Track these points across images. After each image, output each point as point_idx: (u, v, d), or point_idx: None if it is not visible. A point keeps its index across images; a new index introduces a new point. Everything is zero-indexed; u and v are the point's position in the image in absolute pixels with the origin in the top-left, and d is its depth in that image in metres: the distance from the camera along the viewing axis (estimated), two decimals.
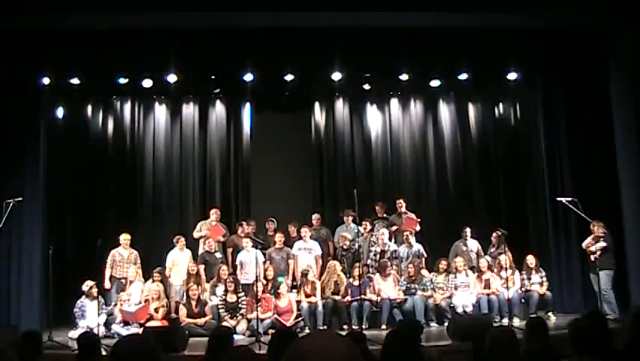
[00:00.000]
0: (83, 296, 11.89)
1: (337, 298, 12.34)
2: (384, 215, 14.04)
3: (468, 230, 13.41)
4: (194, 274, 12.64)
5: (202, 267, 12.93)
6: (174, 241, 13.23)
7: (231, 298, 12.07)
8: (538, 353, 4.96)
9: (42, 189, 13.13)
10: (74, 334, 10.95)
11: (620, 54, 12.79)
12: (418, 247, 13.26)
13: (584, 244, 12.17)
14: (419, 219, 13.64)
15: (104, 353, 6.73)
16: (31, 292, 12.47)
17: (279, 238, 13.13)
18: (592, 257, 11.95)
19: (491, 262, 12.93)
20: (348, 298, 12.32)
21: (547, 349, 5.28)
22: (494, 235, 13.18)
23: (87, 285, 11.86)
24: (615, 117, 12.96)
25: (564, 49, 12.97)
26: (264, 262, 12.64)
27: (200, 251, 13.53)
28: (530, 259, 12.76)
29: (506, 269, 12.10)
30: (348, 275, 12.73)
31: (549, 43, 12.91)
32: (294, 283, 12.90)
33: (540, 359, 4.83)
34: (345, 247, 13.24)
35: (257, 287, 11.56)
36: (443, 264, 12.87)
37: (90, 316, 11.61)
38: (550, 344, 5.60)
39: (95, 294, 11.76)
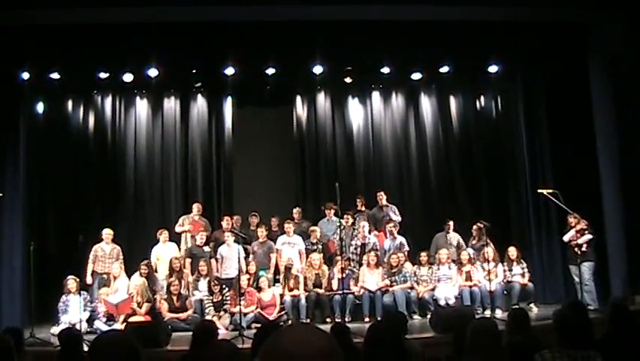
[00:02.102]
0: (66, 292, 11.84)
1: (320, 291, 12.36)
2: (363, 208, 14.07)
3: (451, 223, 13.46)
4: (177, 270, 12.60)
5: (188, 261, 12.90)
6: (157, 234, 13.20)
7: (217, 297, 12.07)
8: (520, 344, 4.98)
9: (23, 185, 13.02)
10: (56, 330, 10.88)
11: (600, 47, 12.86)
12: (400, 239, 13.30)
13: (566, 238, 12.21)
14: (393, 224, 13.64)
15: (86, 348, 6.69)
16: (13, 289, 12.36)
17: (261, 232, 13.12)
18: (577, 250, 11.99)
19: (473, 254, 12.98)
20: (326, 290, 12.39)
21: (529, 340, 5.31)
22: (475, 227, 13.25)
23: (65, 280, 11.80)
24: (595, 110, 13.05)
25: (545, 42, 13.04)
26: (246, 257, 12.63)
27: (183, 245, 13.54)
28: (512, 251, 12.81)
29: (488, 262, 12.16)
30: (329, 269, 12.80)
31: (530, 36, 12.97)
32: (277, 277, 12.91)
33: (522, 350, 4.85)
34: (314, 240, 13.25)
35: (241, 281, 11.59)
36: (423, 256, 12.89)
37: (72, 311, 11.56)
38: (533, 335, 5.64)
39: (73, 289, 11.69)
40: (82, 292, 11.74)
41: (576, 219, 12.07)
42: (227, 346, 4.21)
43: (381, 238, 13.61)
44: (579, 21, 13.02)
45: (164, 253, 13.05)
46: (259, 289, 12.22)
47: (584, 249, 11.97)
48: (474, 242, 13.34)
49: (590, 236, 12.04)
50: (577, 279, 11.99)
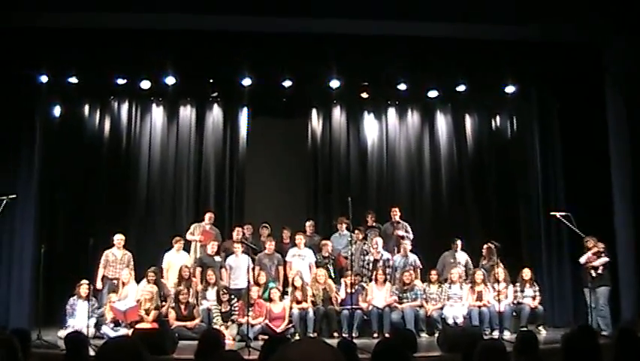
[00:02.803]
0: (75, 296, 11.86)
1: (330, 306, 12.31)
2: (374, 224, 14.03)
3: (459, 242, 13.41)
4: (186, 278, 12.60)
5: (198, 269, 12.88)
6: (173, 242, 13.21)
7: (225, 307, 12.05)
8: None
9: (36, 187, 13.09)
10: (64, 333, 10.89)
11: (615, 67, 12.83)
12: (413, 257, 13.24)
13: (582, 260, 12.11)
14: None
15: (92, 353, 6.70)
16: (22, 291, 12.39)
17: (269, 244, 13.11)
18: (593, 273, 11.92)
19: (484, 274, 12.90)
20: (336, 305, 12.34)
21: None
22: (485, 247, 13.19)
23: (78, 284, 11.83)
24: (610, 131, 13.01)
25: (560, 62, 13.02)
26: (253, 268, 12.60)
27: (192, 253, 13.55)
28: (526, 272, 12.75)
29: (499, 282, 12.11)
30: (337, 283, 12.76)
31: (545, 56, 12.97)
32: (286, 290, 12.88)
33: None
34: (325, 254, 13.22)
35: (250, 292, 11.57)
36: (433, 274, 12.85)
37: (79, 315, 11.58)
38: (540, 358, 5.60)
39: (84, 295, 11.72)
40: (91, 297, 11.76)
41: (593, 241, 12.00)
42: (234, 356, 4.20)
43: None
44: (594, 40, 13.00)
45: (175, 261, 13.05)
46: (270, 300, 12.19)
47: (599, 272, 11.90)
48: (484, 262, 13.26)
49: (606, 259, 11.97)
50: (589, 302, 11.91)
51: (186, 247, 13.56)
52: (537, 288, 12.71)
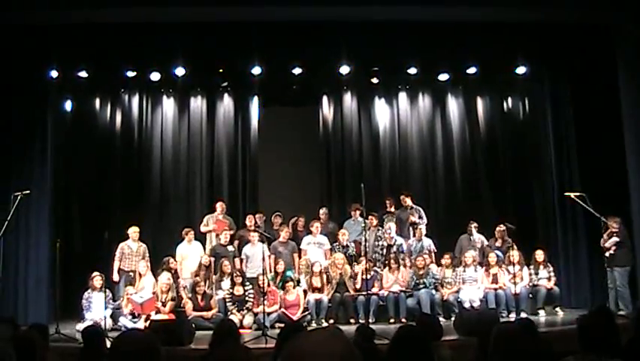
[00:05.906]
0: (90, 289, 11.91)
1: (346, 292, 12.32)
2: (392, 209, 14.01)
3: (474, 225, 13.36)
4: (207, 266, 12.64)
5: (212, 260, 12.92)
6: (183, 233, 13.24)
7: (238, 290, 12.07)
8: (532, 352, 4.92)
9: (49, 183, 13.12)
10: (81, 327, 10.95)
11: (627, 48, 12.71)
12: (428, 242, 13.26)
13: (601, 241, 12.06)
14: None
15: (109, 345, 6.72)
16: (39, 285, 12.46)
17: (285, 232, 13.12)
18: (607, 253, 11.88)
19: (498, 256, 12.86)
20: (351, 291, 12.33)
21: (538, 347, 5.24)
22: (498, 228, 13.15)
23: (91, 277, 11.88)
24: (624, 111, 12.89)
25: (572, 42, 12.94)
26: (269, 256, 12.62)
27: (208, 244, 13.58)
28: (539, 254, 12.72)
29: (514, 264, 12.09)
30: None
31: (557, 36, 12.87)
32: (300, 278, 12.89)
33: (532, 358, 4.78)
34: (344, 243, 13.17)
35: (264, 281, 11.59)
36: (447, 258, 12.82)
37: (96, 308, 11.63)
38: (546, 342, 5.56)
39: (98, 286, 11.76)
40: (106, 289, 11.80)
41: (610, 221, 11.93)
42: (240, 350, 4.17)
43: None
44: (606, 22, 12.88)
45: (189, 252, 13.08)
46: (285, 288, 12.18)
47: (611, 252, 11.84)
48: (497, 244, 13.22)
49: (615, 239, 11.89)
50: (610, 283, 11.87)
51: (202, 239, 13.60)
52: (551, 269, 12.66)
